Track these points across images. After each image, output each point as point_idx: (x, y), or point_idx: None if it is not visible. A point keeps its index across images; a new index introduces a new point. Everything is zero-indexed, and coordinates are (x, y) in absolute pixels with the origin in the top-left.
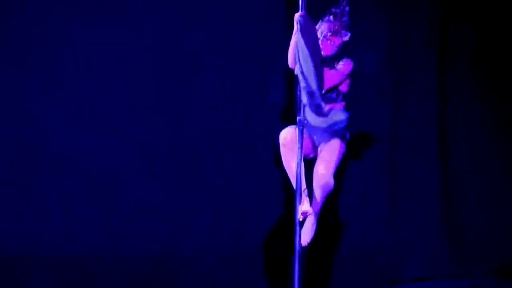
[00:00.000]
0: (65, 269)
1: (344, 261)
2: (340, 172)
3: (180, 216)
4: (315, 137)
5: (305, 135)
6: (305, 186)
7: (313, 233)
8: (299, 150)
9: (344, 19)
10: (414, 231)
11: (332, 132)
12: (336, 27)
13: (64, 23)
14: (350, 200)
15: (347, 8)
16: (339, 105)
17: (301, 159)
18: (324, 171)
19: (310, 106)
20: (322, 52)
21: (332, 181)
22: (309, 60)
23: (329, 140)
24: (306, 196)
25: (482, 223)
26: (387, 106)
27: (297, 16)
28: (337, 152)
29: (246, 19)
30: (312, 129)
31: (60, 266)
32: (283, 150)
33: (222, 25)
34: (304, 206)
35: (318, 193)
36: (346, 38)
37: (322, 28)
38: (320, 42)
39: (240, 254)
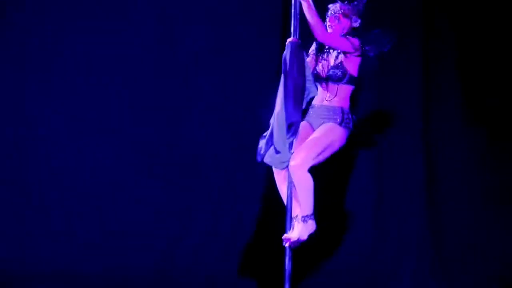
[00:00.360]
0: (64, 269)
1: (338, 271)
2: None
3: (180, 216)
4: (312, 123)
5: (303, 123)
6: (297, 213)
7: (301, 235)
8: (289, 179)
9: (359, 7)
10: (406, 235)
11: (330, 117)
12: (348, 12)
13: (64, 23)
14: (342, 205)
15: (364, 0)
16: (348, 88)
17: (291, 183)
18: (294, 162)
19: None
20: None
21: (302, 174)
22: (282, 104)
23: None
24: (302, 222)
25: (477, 225)
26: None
27: (288, 41)
28: (325, 138)
29: (246, 20)
30: (308, 115)
31: (59, 266)
32: (275, 173)
33: (222, 25)
34: (292, 233)
35: (297, 190)
36: (355, 24)
37: (334, 7)
38: (328, 19)
39: (239, 254)
